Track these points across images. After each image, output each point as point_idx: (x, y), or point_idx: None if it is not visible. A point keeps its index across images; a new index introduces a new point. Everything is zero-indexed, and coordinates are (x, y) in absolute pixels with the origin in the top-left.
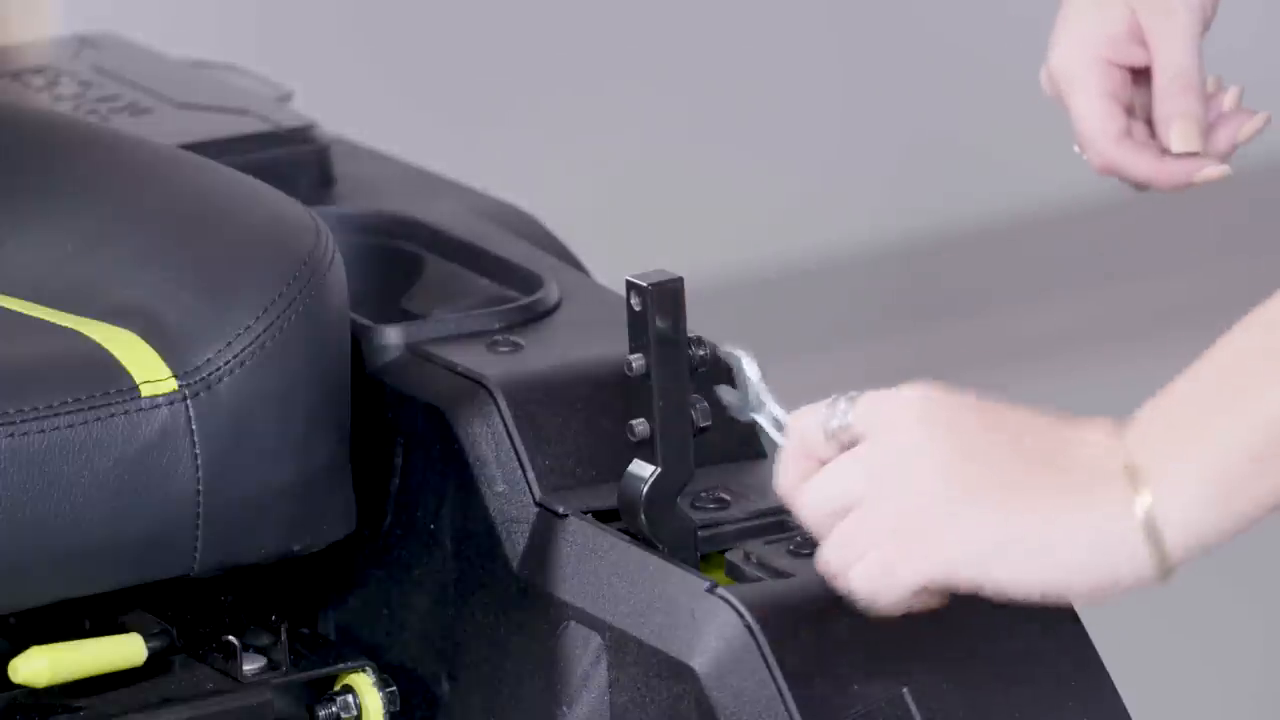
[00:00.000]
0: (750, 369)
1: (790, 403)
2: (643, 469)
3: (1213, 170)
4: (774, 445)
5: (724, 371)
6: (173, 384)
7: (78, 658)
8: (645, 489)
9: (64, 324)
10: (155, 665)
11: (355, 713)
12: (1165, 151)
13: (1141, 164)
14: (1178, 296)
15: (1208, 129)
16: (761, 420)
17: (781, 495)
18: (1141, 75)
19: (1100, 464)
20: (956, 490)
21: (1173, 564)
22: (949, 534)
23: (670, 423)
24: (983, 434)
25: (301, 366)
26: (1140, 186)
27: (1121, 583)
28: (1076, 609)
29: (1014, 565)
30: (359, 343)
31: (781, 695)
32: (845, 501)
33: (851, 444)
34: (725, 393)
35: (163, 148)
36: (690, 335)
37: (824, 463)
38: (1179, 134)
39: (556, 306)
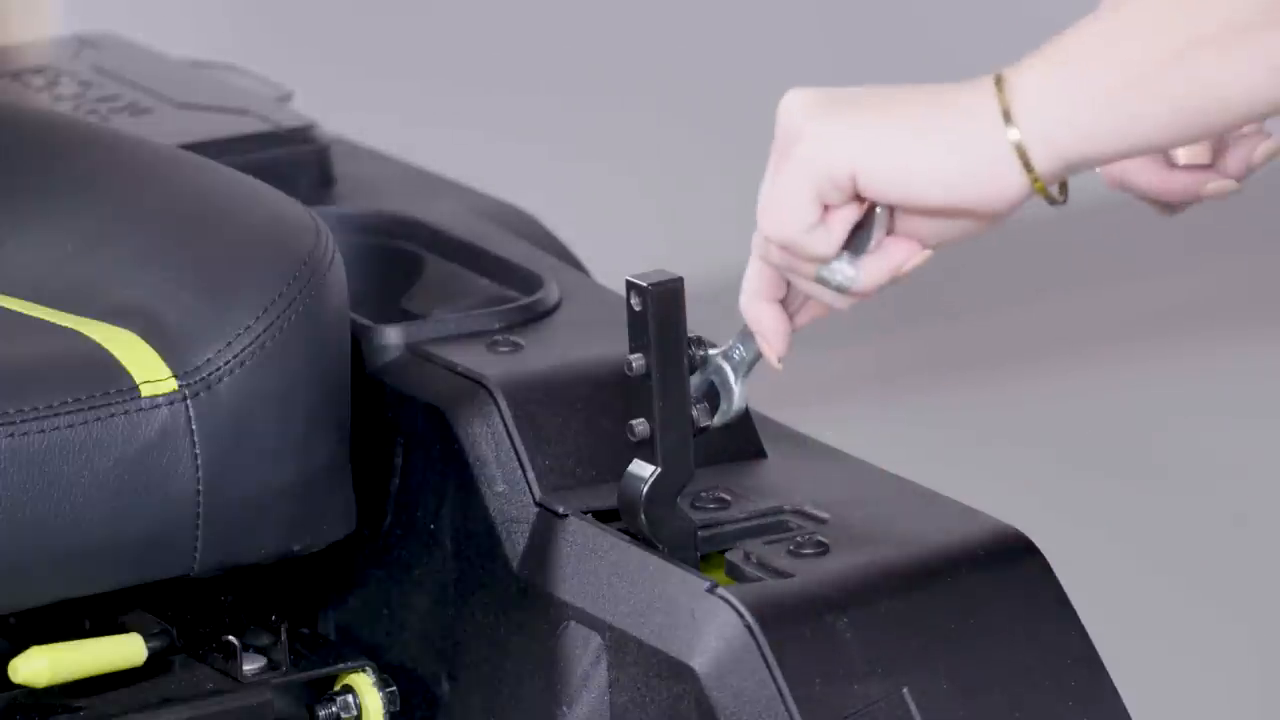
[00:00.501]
0: (729, 372)
1: (789, 406)
2: (643, 469)
3: (1219, 185)
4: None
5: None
6: (173, 384)
7: (78, 658)
8: (645, 489)
9: (64, 324)
10: (155, 665)
11: (355, 713)
12: (1174, 165)
13: (1148, 177)
14: (1178, 296)
15: (1222, 147)
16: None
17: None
18: None
19: (972, 81)
20: (824, 108)
21: (1039, 168)
22: (818, 134)
23: (670, 423)
24: (859, 88)
25: (301, 366)
26: (1151, 201)
27: (992, 184)
28: (1074, 607)
29: (884, 160)
30: (359, 343)
31: (781, 695)
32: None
33: None
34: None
35: (163, 148)
36: (690, 335)
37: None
38: (1186, 147)
39: (556, 306)
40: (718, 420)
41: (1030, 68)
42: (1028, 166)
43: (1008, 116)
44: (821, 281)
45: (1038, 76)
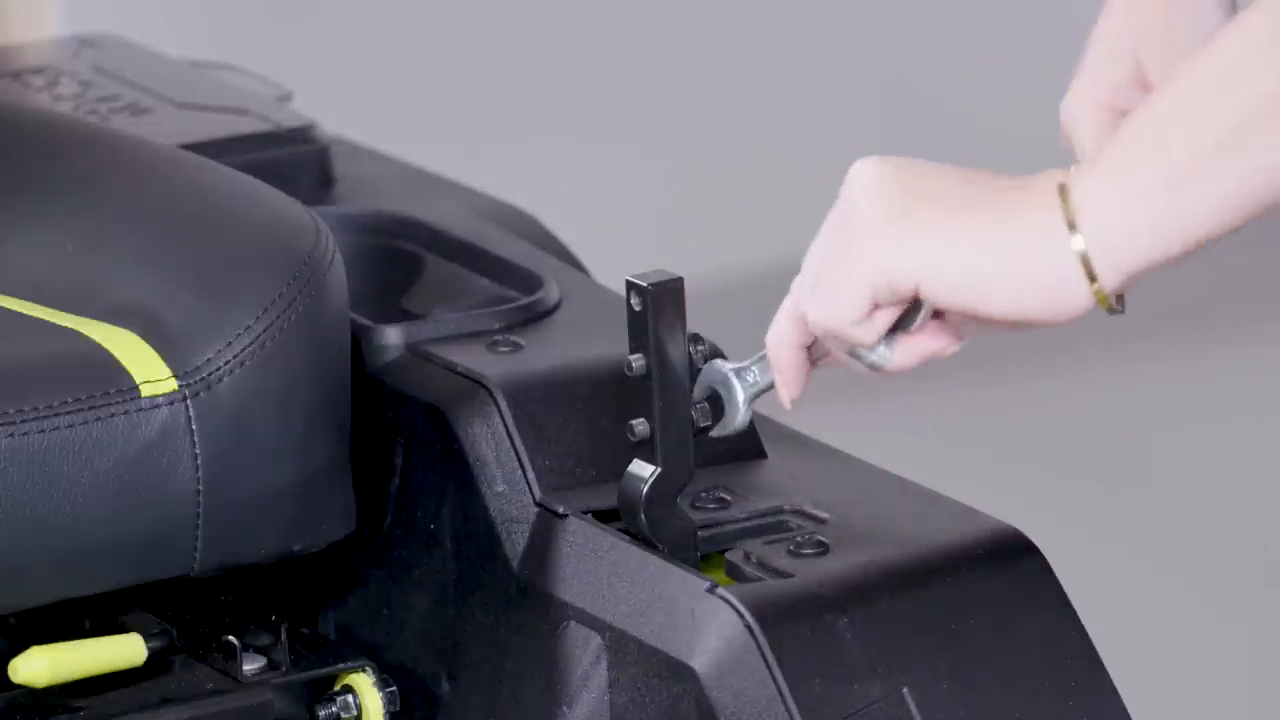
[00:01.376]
0: (735, 383)
1: (789, 412)
2: (643, 469)
3: None
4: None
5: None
6: (173, 384)
7: (78, 658)
8: (645, 489)
9: (64, 324)
10: (155, 665)
11: (355, 713)
12: None
13: None
14: (1178, 296)
15: None
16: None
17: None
18: None
19: (1035, 186)
20: (894, 204)
21: (1103, 281)
22: (885, 237)
23: (670, 423)
24: (926, 169)
25: (301, 366)
26: None
27: (1054, 297)
28: (1074, 606)
29: (945, 269)
30: (359, 343)
31: (781, 695)
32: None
33: None
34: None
35: (163, 148)
36: (690, 333)
37: None
38: None
39: (556, 306)
40: (716, 432)
41: (1091, 173)
42: (1092, 278)
43: (1073, 227)
44: (855, 357)
45: (1098, 183)
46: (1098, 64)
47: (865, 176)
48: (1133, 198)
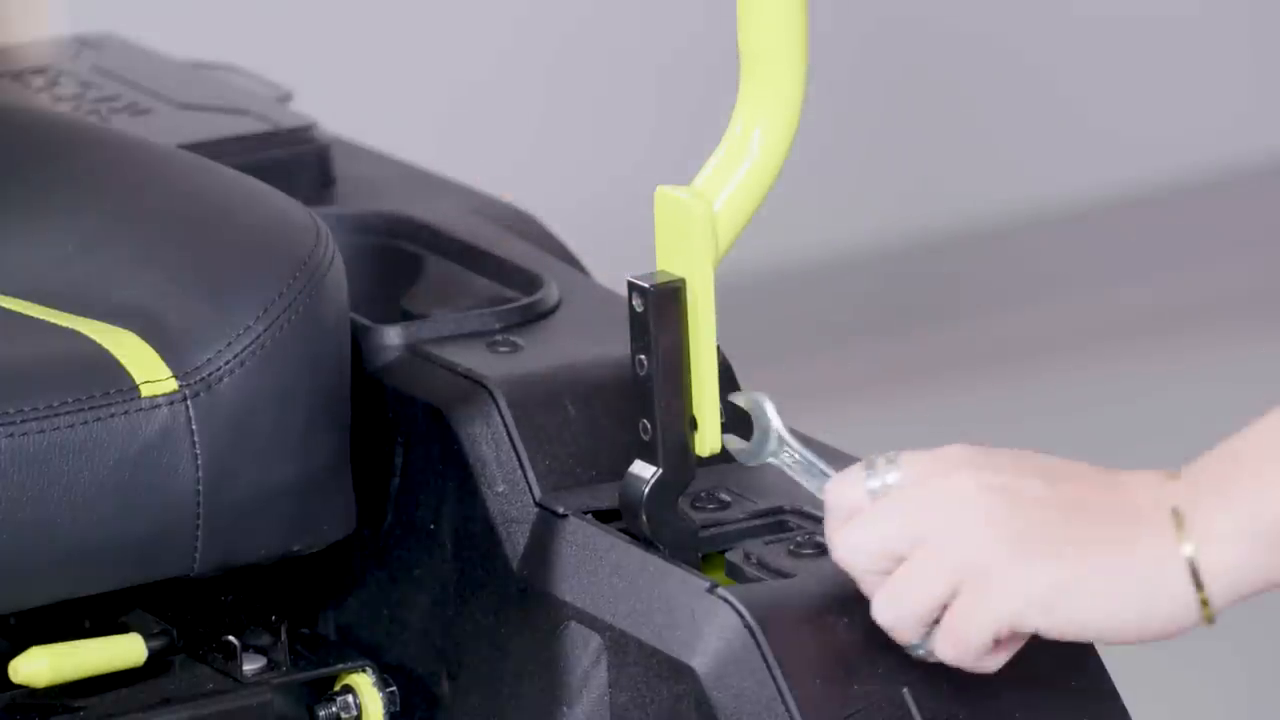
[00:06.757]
0: (772, 415)
1: (789, 406)
2: (644, 469)
3: None
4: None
5: (739, 417)
6: (173, 384)
7: (78, 658)
8: (646, 490)
9: (64, 324)
10: (155, 665)
11: (355, 713)
12: None
13: None
14: (1177, 297)
15: None
16: (780, 464)
17: (838, 560)
18: None
19: (1146, 512)
20: (1009, 542)
21: (1215, 609)
22: (1010, 585)
23: (671, 424)
24: (1027, 481)
25: (301, 367)
26: None
27: (1168, 626)
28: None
29: (1071, 610)
30: (359, 343)
31: (781, 695)
32: (889, 547)
33: None
34: (733, 442)
35: (163, 148)
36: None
37: None
38: None
39: (556, 307)
40: (739, 453)
41: (1206, 501)
42: (1204, 601)
43: (1195, 574)
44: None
45: (1215, 515)
46: None
47: (971, 493)
48: (1250, 529)
